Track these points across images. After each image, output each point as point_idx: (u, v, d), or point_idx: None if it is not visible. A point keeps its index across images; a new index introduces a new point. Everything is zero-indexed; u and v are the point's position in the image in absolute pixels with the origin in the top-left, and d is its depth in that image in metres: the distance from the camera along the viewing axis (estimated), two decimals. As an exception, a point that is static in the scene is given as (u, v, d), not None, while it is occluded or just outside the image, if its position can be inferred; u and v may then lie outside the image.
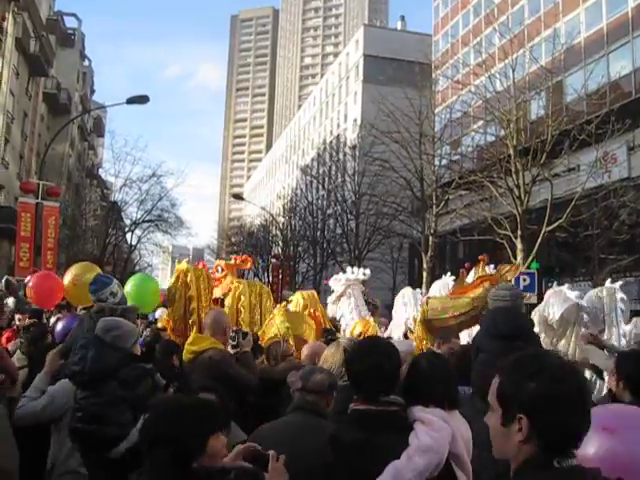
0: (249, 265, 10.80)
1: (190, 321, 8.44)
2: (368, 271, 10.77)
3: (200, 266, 10.46)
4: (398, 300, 10.47)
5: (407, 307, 9.94)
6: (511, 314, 4.53)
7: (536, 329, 5.23)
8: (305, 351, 5.66)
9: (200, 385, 5.36)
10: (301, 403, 3.64)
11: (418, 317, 6.35)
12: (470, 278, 7.94)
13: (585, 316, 6.80)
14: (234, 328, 6.40)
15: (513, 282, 17.25)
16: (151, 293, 9.31)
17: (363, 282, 10.72)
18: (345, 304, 10.34)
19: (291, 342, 7.82)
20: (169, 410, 2.58)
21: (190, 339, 6.17)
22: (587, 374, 5.84)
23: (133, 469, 3.27)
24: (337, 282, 10.45)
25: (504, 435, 2.01)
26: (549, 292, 7.58)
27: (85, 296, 8.91)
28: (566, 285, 8.17)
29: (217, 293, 9.49)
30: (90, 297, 6.76)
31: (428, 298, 6.55)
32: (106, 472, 3.46)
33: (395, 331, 9.88)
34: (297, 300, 9.85)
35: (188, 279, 8.55)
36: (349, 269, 10.75)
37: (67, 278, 8.83)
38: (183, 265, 8.75)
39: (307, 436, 3.46)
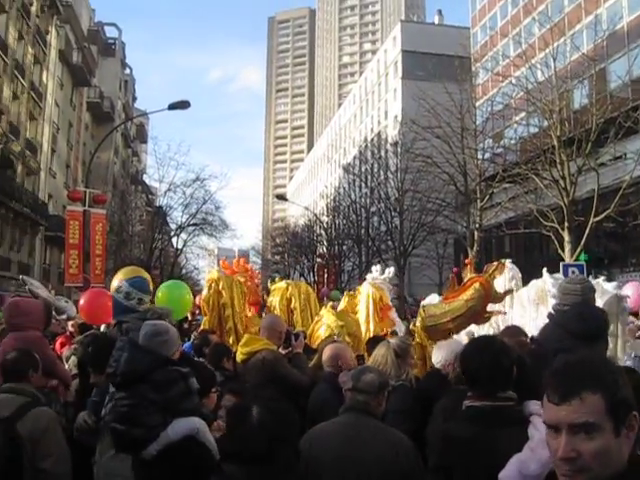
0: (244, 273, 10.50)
1: (227, 327, 8.58)
2: (392, 269, 10.70)
3: (241, 262, 10.59)
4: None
5: None
6: (595, 312, 4.46)
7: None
8: (327, 352, 5.61)
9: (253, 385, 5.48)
10: (352, 403, 3.66)
11: (417, 324, 6.42)
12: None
13: (627, 305, 6.70)
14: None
15: (561, 273, 17.13)
16: (181, 300, 9.35)
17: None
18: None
19: (348, 339, 7.89)
20: (287, 415, 2.97)
21: (243, 340, 6.28)
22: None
23: (165, 470, 3.38)
24: (366, 283, 10.42)
25: (618, 446, 1.82)
26: None
27: None
28: (601, 278, 8.07)
29: None
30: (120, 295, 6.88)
31: (424, 306, 6.55)
32: (144, 472, 3.55)
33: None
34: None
35: (220, 287, 8.67)
36: (374, 268, 10.71)
37: (114, 284, 8.89)
38: (214, 274, 8.90)
39: (359, 437, 3.48)
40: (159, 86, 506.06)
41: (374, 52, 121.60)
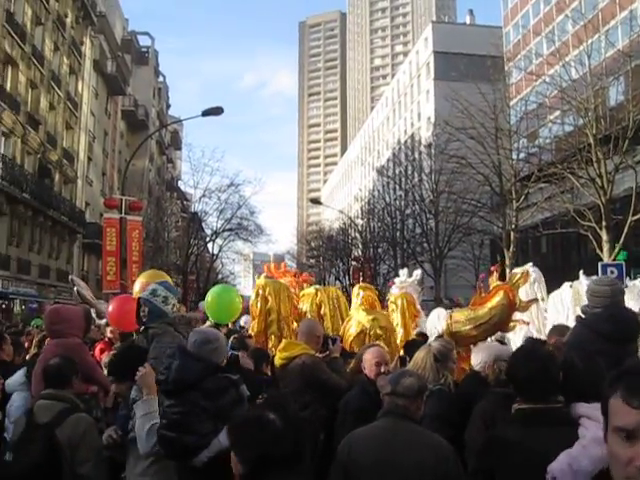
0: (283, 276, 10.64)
1: (269, 332, 8.66)
2: (419, 272, 10.68)
3: (281, 267, 10.67)
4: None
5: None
6: (627, 314, 4.43)
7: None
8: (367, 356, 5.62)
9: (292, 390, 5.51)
10: (391, 407, 3.64)
11: (443, 331, 6.50)
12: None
13: None
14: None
15: (600, 273, 16.88)
16: (230, 305, 9.44)
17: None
18: None
19: (379, 332, 7.91)
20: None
21: (281, 345, 6.31)
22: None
23: (215, 478, 3.34)
24: (395, 287, 10.42)
25: None
26: None
27: None
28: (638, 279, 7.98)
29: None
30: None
31: (451, 313, 6.63)
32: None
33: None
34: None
35: (267, 293, 8.76)
36: (401, 272, 10.71)
37: (136, 288, 8.95)
38: (261, 280, 9.00)
39: (398, 441, 3.48)
40: (192, 93, 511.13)
41: (405, 54, 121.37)
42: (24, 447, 4.03)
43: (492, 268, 8.39)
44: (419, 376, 3.96)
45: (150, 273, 9.52)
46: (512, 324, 6.54)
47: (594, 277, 8.50)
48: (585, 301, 6.61)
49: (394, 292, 10.04)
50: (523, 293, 7.05)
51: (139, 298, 5.28)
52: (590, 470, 2.84)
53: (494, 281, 7.30)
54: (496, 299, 6.33)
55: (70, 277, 10.91)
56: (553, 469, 2.88)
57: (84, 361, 5.44)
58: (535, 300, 7.61)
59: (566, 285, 8.65)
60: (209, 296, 9.35)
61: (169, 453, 3.63)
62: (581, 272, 8.66)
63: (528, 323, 7.46)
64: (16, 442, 4.14)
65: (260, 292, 8.90)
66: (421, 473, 3.35)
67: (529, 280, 8.01)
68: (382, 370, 5.12)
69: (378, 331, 7.93)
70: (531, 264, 8.54)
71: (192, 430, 3.50)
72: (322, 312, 9.04)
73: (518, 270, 7.28)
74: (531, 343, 4.93)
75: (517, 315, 6.83)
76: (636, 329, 4.22)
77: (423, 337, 8.40)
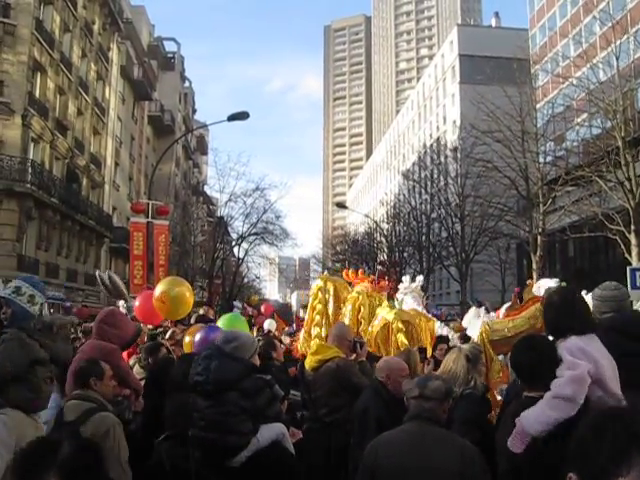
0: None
1: (314, 333, 8.76)
2: (421, 277, 10.94)
3: (359, 273, 10.82)
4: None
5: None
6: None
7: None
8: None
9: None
10: (419, 411, 3.62)
11: (480, 338, 6.80)
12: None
13: None
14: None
15: (628, 278, 16.72)
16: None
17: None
18: None
19: (401, 325, 7.93)
20: None
21: (313, 348, 6.35)
22: None
23: (255, 476, 3.41)
24: (399, 293, 10.55)
25: None
26: None
27: (175, 311, 9.20)
28: None
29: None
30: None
31: (489, 323, 6.97)
32: None
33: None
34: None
35: (329, 287, 9.02)
36: (404, 278, 10.83)
37: (156, 295, 9.07)
38: (318, 283, 9.24)
39: (424, 445, 3.47)
40: (218, 97, 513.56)
41: (431, 57, 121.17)
42: None
43: (528, 282, 8.84)
44: (445, 379, 3.97)
45: (169, 280, 9.57)
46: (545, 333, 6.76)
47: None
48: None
49: (399, 297, 10.17)
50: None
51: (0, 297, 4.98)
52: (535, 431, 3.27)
53: (529, 293, 7.73)
54: (532, 310, 6.69)
55: (107, 271, 11.01)
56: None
57: (119, 365, 5.52)
58: None
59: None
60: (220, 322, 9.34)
61: (208, 454, 3.62)
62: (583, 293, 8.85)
63: None
64: None
65: (318, 294, 9.10)
66: (448, 477, 3.35)
67: None
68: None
69: (399, 325, 8.04)
70: (556, 280, 8.80)
71: (234, 430, 3.50)
72: (360, 316, 9.04)
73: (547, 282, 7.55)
74: (533, 335, 4.99)
75: None
76: None
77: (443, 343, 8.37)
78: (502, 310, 8.80)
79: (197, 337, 6.08)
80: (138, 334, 6.66)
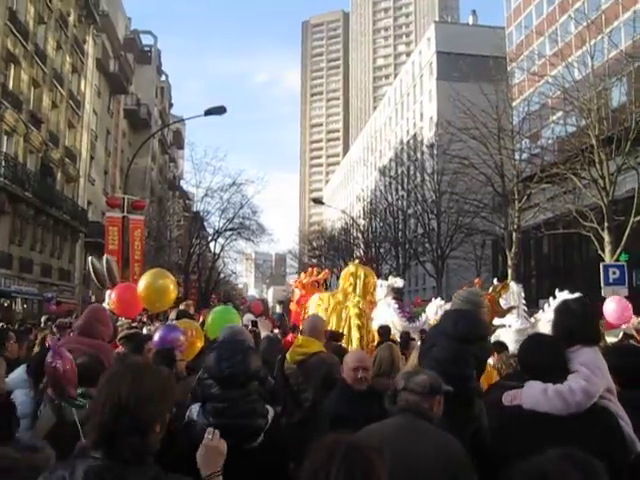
0: (323, 276, 11.15)
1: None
2: (398, 279, 12.15)
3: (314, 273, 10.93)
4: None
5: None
6: (470, 319, 4.60)
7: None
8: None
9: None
10: (405, 405, 3.61)
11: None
12: None
13: None
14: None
15: (602, 274, 16.97)
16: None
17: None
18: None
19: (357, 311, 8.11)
20: None
21: (299, 341, 6.33)
22: None
23: (267, 456, 3.61)
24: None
25: None
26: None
27: (160, 302, 9.23)
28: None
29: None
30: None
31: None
32: (249, 462, 3.69)
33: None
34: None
35: (360, 273, 9.35)
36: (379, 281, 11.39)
37: (141, 286, 9.05)
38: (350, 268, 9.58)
39: (408, 438, 3.44)
40: (196, 92, 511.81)
41: (408, 54, 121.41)
42: None
43: (475, 280, 9.72)
44: (434, 375, 3.83)
45: (154, 272, 9.57)
46: (493, 328, 7.40)
47: (573, 295, 9.01)
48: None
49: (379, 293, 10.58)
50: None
51: None
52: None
53: (503, 291, 8.53)
54: None
55: (90, 258, 10.92)
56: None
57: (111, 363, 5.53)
58: (514, 307, 9.33)
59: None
60: (210, 317, 9.29)
61: (239, 440, 3.74)
62: (557, 290, 9.23)
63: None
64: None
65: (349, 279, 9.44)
66: (430, 471, 3.31)
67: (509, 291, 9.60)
68: (359, 376, 5.07)
69: (356, 310, 8.47)
70: (514, 282, 9.56)
71: (260, 414, 3.76)
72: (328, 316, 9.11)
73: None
74: (539, 333, 5.22)
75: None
76: (477, 333, 4.44)
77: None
78: None
79: (156, 336, 6.10)
80: (117, 330, 6.66)
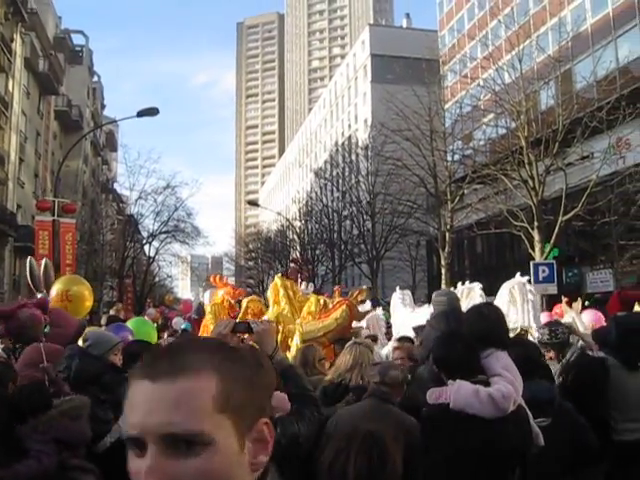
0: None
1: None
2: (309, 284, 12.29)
3: (224, 279, 10.80)
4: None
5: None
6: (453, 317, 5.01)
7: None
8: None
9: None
10: (374, 391, 4.16)
11: (297, 338, 7.58)
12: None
13: None
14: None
15: (532, 272, 17.34)
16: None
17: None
18: None
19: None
20: None
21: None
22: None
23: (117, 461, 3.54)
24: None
25: None
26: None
27: (80, 309, 8.82)
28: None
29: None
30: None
31: (301, 324, 7.77)
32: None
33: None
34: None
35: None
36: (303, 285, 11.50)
37: (54, 293, 8.51)
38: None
39: (375, 416, 3.90)
40: (132, 93, 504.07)
41: (343, 56, 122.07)
42: None
43: (335, 288, 11.08)
44: (404, 370, 4.57)
45: (67, 279, 9.21)
46: (352, 330, 7.99)
47: (526, 277, 9.12)
48: (519, 302, 8.48)
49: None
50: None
51: None
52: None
53: (337, 297, 9.21)
54: (339, 312, 7.65)
55: (29, 258, 10.51)
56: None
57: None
58: (369, 312, 10.35)
59: (507, 284, 9.04)
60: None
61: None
62: (518, 274, 9.10)
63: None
64: None
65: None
66: (386, 438, 3.69)
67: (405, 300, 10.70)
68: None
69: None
70: (398, 288, 10.88)
71: (94, 418, 3.70)
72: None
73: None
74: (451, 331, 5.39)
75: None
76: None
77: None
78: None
79: None
80: (83, 329, 6.33)
